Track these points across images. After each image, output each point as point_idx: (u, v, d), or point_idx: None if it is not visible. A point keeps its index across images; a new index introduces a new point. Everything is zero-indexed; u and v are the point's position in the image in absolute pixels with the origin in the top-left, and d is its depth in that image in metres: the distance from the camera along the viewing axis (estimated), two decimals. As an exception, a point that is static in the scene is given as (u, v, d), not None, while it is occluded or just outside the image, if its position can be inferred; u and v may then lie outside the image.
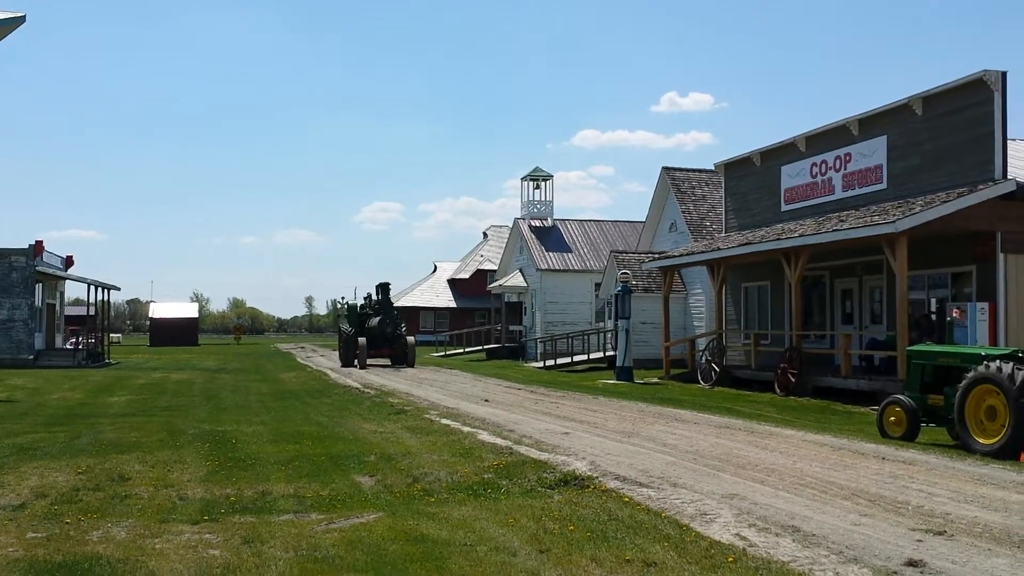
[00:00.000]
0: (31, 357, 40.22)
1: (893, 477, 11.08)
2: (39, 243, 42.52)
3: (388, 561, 7.38)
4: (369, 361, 39.49)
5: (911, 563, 7.17)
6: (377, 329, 40.21)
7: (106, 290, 47.72)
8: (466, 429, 16.15)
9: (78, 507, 9.47)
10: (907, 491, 10.16)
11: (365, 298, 44.15)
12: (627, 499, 9.79)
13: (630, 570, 7.08)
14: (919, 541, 7.91)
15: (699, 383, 27.98)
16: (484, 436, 15.16)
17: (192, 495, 10.17)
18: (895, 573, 6.94)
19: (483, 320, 64.53)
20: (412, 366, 39.50)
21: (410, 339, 41.18)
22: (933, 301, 22.86)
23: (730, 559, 7.29)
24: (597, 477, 11.11)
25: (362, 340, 39.17)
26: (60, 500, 9.79)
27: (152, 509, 9.44)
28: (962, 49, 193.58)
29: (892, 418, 15.06)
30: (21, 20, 27.28)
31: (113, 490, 10.37)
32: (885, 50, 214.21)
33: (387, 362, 40.96)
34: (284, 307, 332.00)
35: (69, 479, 11.03)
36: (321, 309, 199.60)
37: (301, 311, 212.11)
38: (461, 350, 51.87)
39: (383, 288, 42.42)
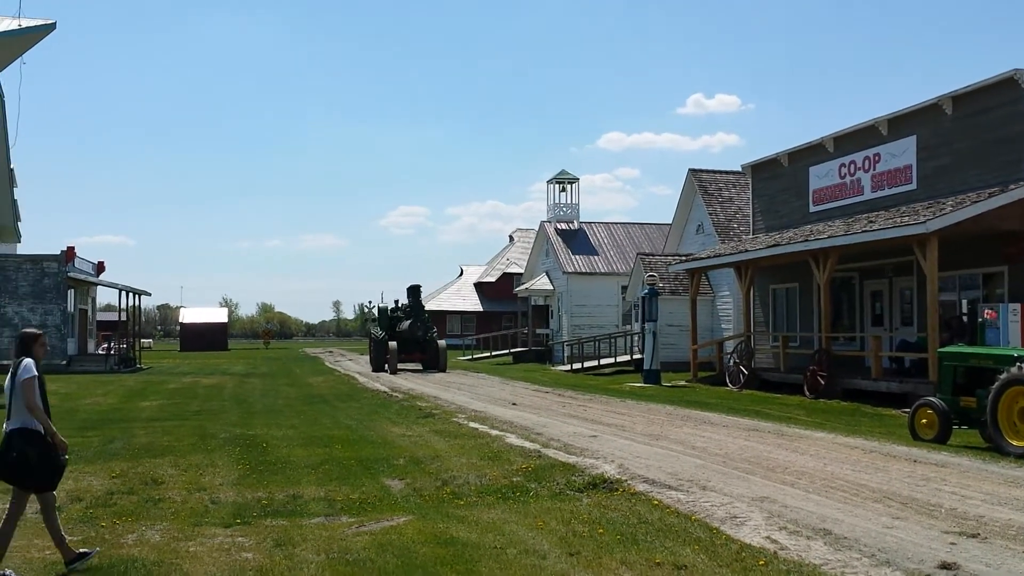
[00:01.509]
0: (64, 362, 40.63)
1: (925, 480, 11.00)
2: (71, 249, 42.98)
3: (418, 564, 7.42)
4: (400, 366, 38.70)
5: (944, 566, 7.12)
6: (408, 333, 39.41)
7: (137, 295, 48.22)
8: (494, 432, 16.18)
9: (113, 510, 9.60)
10: (940, 494, 10.08)
11: (395, 302, 43.25)
12: (656, 502, 9.78)
13: (660, 573, 7.08)
14: (952, 544, 7.86)
15: (727, 386, 27.87)
16: (512, 439, 15.19)
17: (224, 498, 10.26)
18: (928, 576, 6.90)
19: (510, 324, 64.53)
20: (444, 371, 38.64)
21: (441, 343, 40.32)
22: (964, 302, 22.66)
23: (761, 562, 7.27)
24: (626, 480, 11.11)
25: (392, 344, 38.42)
26: (95, 504, 9.92)
27: (185, 512, 9.54)
28: (992, 48, 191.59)
29: (924, 420, 14.94)
30: (51, 28, 27.66)
31: (147, 494, 10.49)
32: (913, 50, 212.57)
33: (418, 366, 40.28)
34: (312, 312, 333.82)
35: (103, 483, 11.17)
36: (349, 313, 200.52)
37: (329, 315, 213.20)
38: (488, 354, 51.92)
39: (414, 291, 41.45)
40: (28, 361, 7.32)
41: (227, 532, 8.61)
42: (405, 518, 9.23)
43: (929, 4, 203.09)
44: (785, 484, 10.78)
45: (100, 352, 46.53)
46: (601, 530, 8.51)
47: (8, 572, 7.23)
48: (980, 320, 19.60)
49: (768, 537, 8.14)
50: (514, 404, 22.32)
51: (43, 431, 7.25)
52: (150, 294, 51.09)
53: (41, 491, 7.40)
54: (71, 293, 43.26)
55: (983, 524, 8.59)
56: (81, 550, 7.50)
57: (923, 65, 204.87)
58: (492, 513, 9.45)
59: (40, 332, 7.78)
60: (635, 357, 37.05)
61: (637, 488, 10.62)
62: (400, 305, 42.23)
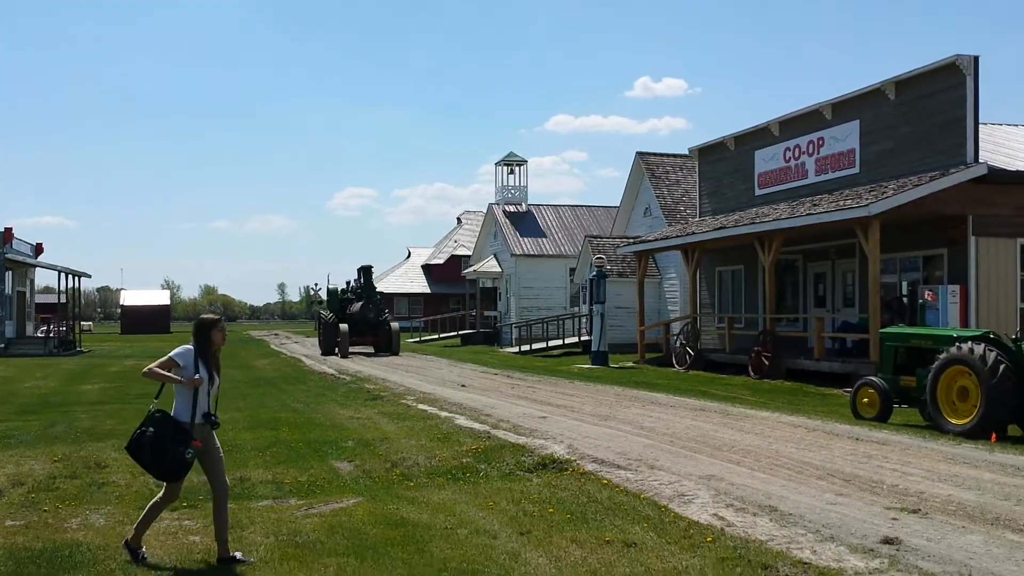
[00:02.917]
0: (2, 346, 39.81)
1: (867, 457, 11.21)
2: (8, 230, 42.02)
3: (369, 545, 7.40)
4: (351, 349, 37.61)
5: (887, 540, 7.26)
6: (360, 315, 38.40)
7: (77, 277, 47.31)
8: (443, 414, 16.18)
9: (55, 495, 9.44)
10: (881, 471, 10.29)
11: (346, 283, 42.13)
12: (605, 481, 9.86)
13: (610, 551, 7.14)
14: (894, 519, 8.02)
15: (674, 367, 28.13)
16: (461, 421, 15.19)
17: (170, 482, 10.12)
18: (871, 551, 7.03)
19: (458, 306, 64.46)
20: (397, 354, 37.57)
21: (394, 325, 39.21)
22: (905, 284, 23.08)
23: (709, 539, 7.37)
24: (575, 460, 11.18)
25: (343, 327, 37.31)
26: (37, 488, 9.75)
27: (130, 496, 9.42)
28: (934, 33, 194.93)
29: (865, 399, 15.22)
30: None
31: (90, 478, 10.34)
32: (858, 35, 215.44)
33: (369, 349, 39.35)
34: (256, 294, 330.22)
35: (45, 467, 10.98)
36: (294, 296, 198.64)
37: (273, 298, 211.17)
38: (436, 336, 51.88)
39: (365, 271, 40.63)
40: (184, 347, 7.21)
41: (173, 516, 8.52)
42: (355, 500, 9.20)
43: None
44: (731, 462, 10.93)
45: (39, 335, 45.64)
46: (551, 509, 8.56)
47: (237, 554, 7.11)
48: (920, 301, 20.02)
49: (715, 514, 8.25)
50: (463, 386, 22.32)
51: (178, 416, 7.09)
52: (90, 276, 50.13)
53: (159, 477, 7.33)
54: (8, 275, 42.31)
55: (924, 500, 8.78)
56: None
57: (868, 50, 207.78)
58: (442, 494, 9.46)
59: (217, 317, 7.49)
60: (583, 339, 37.20)
61: (586, 468, 10.69)
62: (351, 286, 41.17)
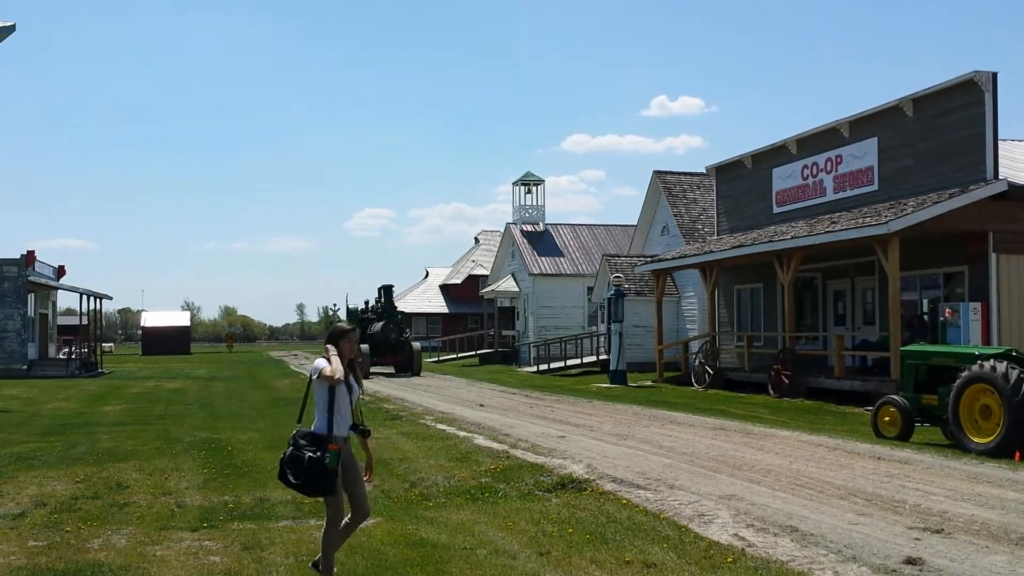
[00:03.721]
0: (24, 367, 40.08)
1: (889, 476, 11.13)
2: (31, 253, 42.41)
3: (388, 566, 7.41)
4: (372, 369, 36.47)
5: (910, 561, 7.21)
6: (380, 335, 37.60)
7: (98, 299, 47.66)
8: (462, 434, 16.17)
9: (77, 515, 9.48)
10: (904, 490, 10.21)
11: (365, 302, 41.36)
12: (625, 501, 9.82)
13: (630, 571, 7.12)
14: (917, 539, 7.96)
15: (693, 385, 28.04)
16: (480, 440, 15.18)
17: (190, 502, 10.18)
18: (894, 571, 6.98)
19: (476, 325, 64.47)
20: (418, 374, 36.92)
21: (416, 345, 38.47)
22: (925, 302, 22.97)
23: (729, 559, 7.33)
24: (594, 480, 11.15)
25: (364, 347, 35.67)
26: (59, 508, 9.80)
27: (151, 517, 9.45)
28: (952, 51, 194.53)
29: (887, 418, 15.11)
30: (11, 29, 27.29)
31: (112, 498, 10.38)
32: (875, 52, 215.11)
33: (390, 369, 38.59)
34: (275, 315, 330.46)
35: (67, 488, 11.04)
36: (313, 316, 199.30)
37: (292, 318, 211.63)
38: (454, 356, 51.87)
39: (386, 291, 39.84)
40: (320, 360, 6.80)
41: (194, 536, 8.55)
42: (374, 520, 9.18)
43: (891, 7, 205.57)
44: (751, 482, 10.87)
45: (61, 357, 45.96)
46: (570, 529, 8.53)
47: None
48: (941, 319, 19.88)
49: (736, 534, 8.21)
50: (481, 405, 22.31)
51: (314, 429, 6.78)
52: (111, 298, 50.52)
53: (309, 493, 6.89)
54: (31, 297, 42.66)
55: (947, 520, 8.71)
56: None
57: (884, 67, 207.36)
58: (461, 514, 9.45)
59: (349, 328, 7.06)
60: (601, 358, 37.19)
61: (605, 487, 10.66)
62: (371, 306, 40.51)
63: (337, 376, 6.66)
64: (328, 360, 6.71)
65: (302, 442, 6.67)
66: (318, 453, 6.56)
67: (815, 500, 9.75)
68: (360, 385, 7.07)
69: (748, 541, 7.95)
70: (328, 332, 7.11)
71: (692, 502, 9.71)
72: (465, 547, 7.94)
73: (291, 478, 6.67)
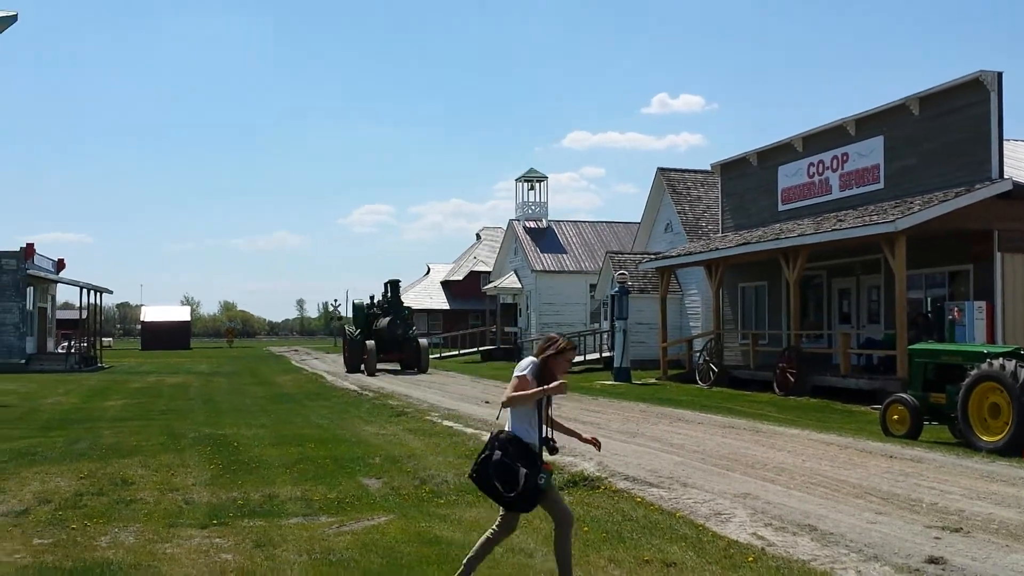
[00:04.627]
0: (23, 361, 39.95)
1: (904, 475, 11.04)
2: (30, 246, 42.25)
3: (404, 564, 7.30)
4: (378, 366, 36.07)
5: (932, 560, 7.12)
6: (387, 331, 36.84)
7: (98, 293, 47.49)
8: (469, 431, 16.07)
9: (83, 512, 9.34)
10: (919, 489, 10.12)
11: (371, 298, 40.57)
12: (639, 499, 9.73)
13: (649, 571, 7.02)
14: (937, 538, 7.87)
15: (697, 383, 27.93)
16: (489, 438, 15.04)
17: (198, 499, 10.06)
18: (917, 570, 6.89)
19: (477, 322, 64.35)
20: (425, 371, 36.42)
21: (423, 342, 38.01)
22: (929, 300, 22.87)
23: (750, 558, 7.23)
24: (606, 478, 11.06)
25: (370, 343, 35.92)
26: (64, 505, 9.66)
27: (159, 513, 9.33)
28: (957, 50, 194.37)
29: (895, 416, 15.04)
30: (13, 19, 27.11)
31: (117, 495, 10.25)
32: (877, 50, 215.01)
33: (396, 366, 38.19)
34: (275, 310, 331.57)
35: (71, 484, 10.90)
36: (312, 312, 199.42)
37: (292, 314, 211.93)
38: (456, 352, 51.79)
39: (393, 285, 39.19)
40: (528, 359, 6.35)
41: (204, 533, 8.43)
42: (386, 517, 9.10)
43: (893, 5, 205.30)
44: (766, 480, 10.78)
45: (60, 351, 45.81)
46: (586, 528, 8.43)
47: None
48: (949, 318, 19.78)
49: (754, 533, 8.11)
50: (487, 402, 22.20)
51: (524, 437, 6.23)
52: (111, 292, 50.37)
53: (508, 507, 6.35)
54: (30, 291, 42.53)
55: (965, 518, 8.62)
56: None
57: (887, 66, 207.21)
58: (474, 511, 9.33)
59: (568, 344, 6.34)
60: (604, 355, 37.08)
61: (618, 485, 10.57)
62: (377, 301, 39.75)
63: (559, 384, 6.14)
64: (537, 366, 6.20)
65: (511, 449, 6.16)
66: (534, 473, 6.09)
67: (831, 499, 9.65)
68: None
69: (767, 540, 7.86)
70: (545, 342, 6.40)
71: (707, 501, 9.62)
72: (480, 545, 7.83)
73: (500, 488, 6.16)
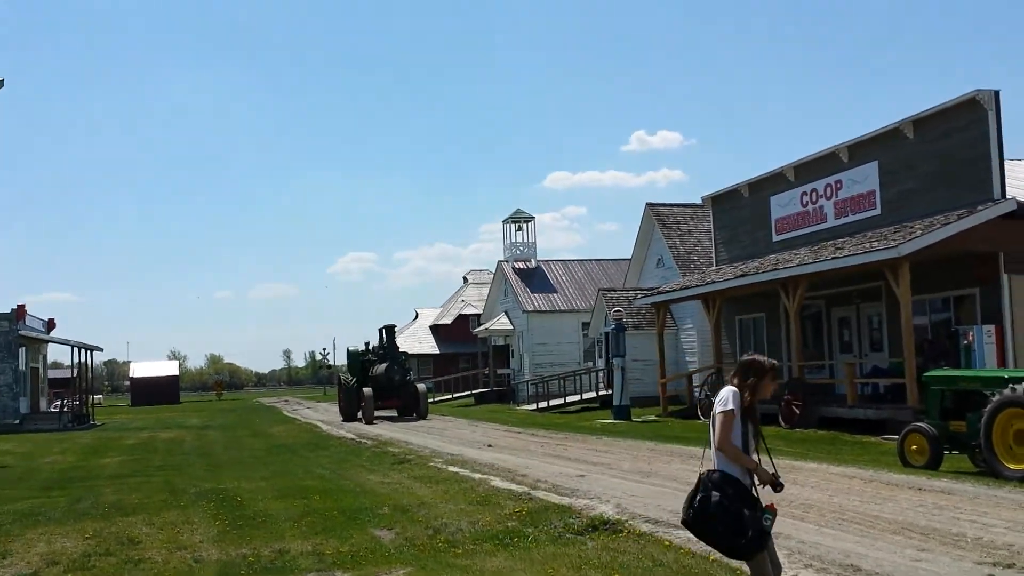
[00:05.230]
0: (17, 422, 39.39)
1: (939, 508, 10.68)
2: (21, 307, 41.94)
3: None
4: (376, 413, 35.00)
5: (991, 598, 6.78)
6: (384, 377, 35.84)
7: (89, 351, 46.95)
8: (477, 476, 15.65)
9: (92, 573, 8.99)
10: (959, 522, 9.77)
11: (366, 344, 39.92)
12: (667, 543, 9.34)
13: (696, 619, 6.64)
14: (990, 575, 7.52)
15: (699, 419, 27.55)
16: (497, 482, 14.66)
17: (208, 556, 9.66)
18: (977, 610, 6.54)
19: (468, 365, 63.86)
20: (424, 416, 35.23)
21: (421, 387, 37.09)
22: (931, 326, 22.63)
23: (799, 603, 6.87)
24: (627, 520, 10.67)
25: (367, 390, 34.92)
26: (72, 567, 9.26)
27: (169, 573, 8.97)
28: (945, 72, 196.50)
29: (914, 446, 14.70)
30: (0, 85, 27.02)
31: (125, 554, 9.84)
32: (853, 81, 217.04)
33: (393, 413, 37.23)
34: (262, 361, 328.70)
35: (77, 545, 10.47)
36: (299, 362, 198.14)
37: (279, 364, 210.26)
38: (449, 396, 51.31)
39: (388, 330, 38.28)
40: (727, 390, 5.91)
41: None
42: (404, 570, 8.72)
43: (865, 37, 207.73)
44: (795, 518, 10.40)
45: (53, 410, 45.20)
46: (616, 575, 8.06)
47: None
48: (965, 343, 19.44)
49: None
50: (489, 446, 21.78)
51: (741, 478, 5.80)
52: (102, 349, 49.85)
53: (730, 554, 5.98)
54: (22, 351, 42.05)
55: (1015, 553, 8.27)
56: None
57: (863, 95, 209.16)
58: (495, 561, 8.96)
59: (771, 365, 5.98)
60: (601, 394, 36.69)
61: (641, 528, 10.19)
62: (373, 347, 38.95)
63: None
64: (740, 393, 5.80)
65: (729, 491, 5.73)
66: (758, 515, 5.72)
67: (868, 536, 9.29)
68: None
69: (812, 582, 7.50)
70: (747, 364, 6.02)
71: (739, 541, 9.23)
72: (510, 598, 7.45)
73: (721, 533, 5.74)
